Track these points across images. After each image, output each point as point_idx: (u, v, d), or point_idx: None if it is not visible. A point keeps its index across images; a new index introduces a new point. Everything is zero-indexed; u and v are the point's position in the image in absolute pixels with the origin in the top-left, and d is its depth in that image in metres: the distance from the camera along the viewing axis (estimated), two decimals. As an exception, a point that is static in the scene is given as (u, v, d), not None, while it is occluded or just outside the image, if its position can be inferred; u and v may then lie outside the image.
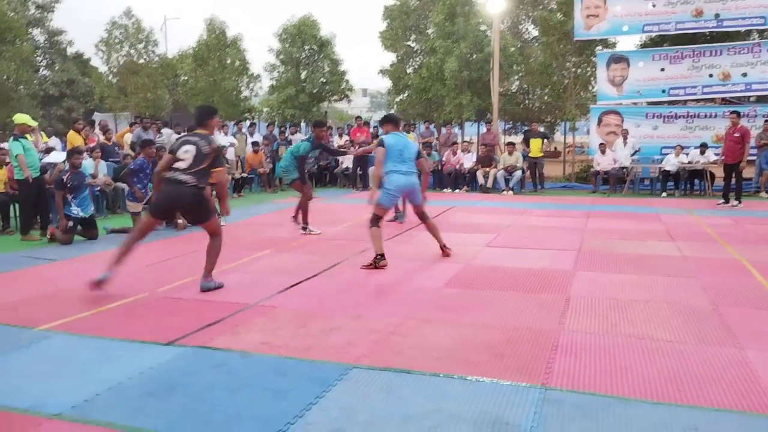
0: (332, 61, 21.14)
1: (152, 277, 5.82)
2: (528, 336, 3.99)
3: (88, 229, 8.01)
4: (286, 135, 16.15)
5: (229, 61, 21.75)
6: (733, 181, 11.47)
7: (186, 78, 23.33)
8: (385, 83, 26.06)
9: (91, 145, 11.19)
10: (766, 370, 3.39)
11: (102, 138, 12.19)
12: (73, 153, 8.08)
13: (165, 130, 13.98)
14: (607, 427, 2.76)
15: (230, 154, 14.28)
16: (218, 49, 21.64)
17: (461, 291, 5.25)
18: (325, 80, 21.15)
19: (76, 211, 7.78)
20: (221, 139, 14.45)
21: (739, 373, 3.36)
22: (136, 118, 13.71)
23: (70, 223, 7.77)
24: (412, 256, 6.83)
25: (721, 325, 4.22)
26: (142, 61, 22.53)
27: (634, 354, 3.65)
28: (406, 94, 23.33)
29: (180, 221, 8.78)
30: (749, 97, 16.07)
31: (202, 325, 4.25)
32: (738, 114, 11.48)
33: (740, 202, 11.22)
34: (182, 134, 7.61)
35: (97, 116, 21.37)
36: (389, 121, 6.82)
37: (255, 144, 14.85)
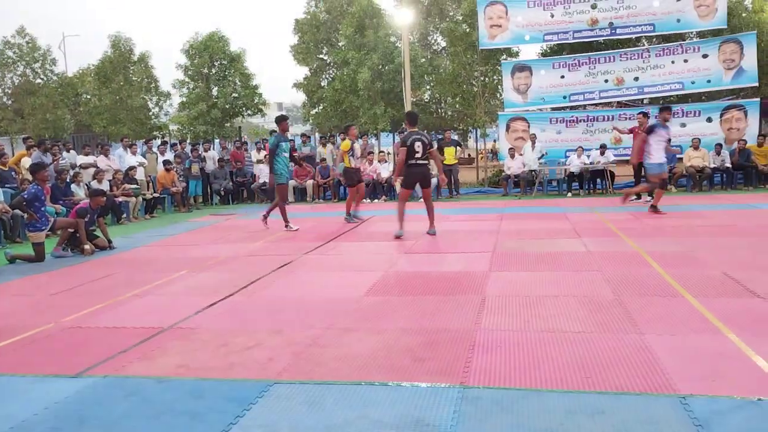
0: (244, 76, 20.85)
1: (57, 306, 5.50)
2: (446, 338, 4.09)
3: (-17, 260, 7.48)
4: (200, 152, 15.74)
5: (136, 79, 20.98)
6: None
7: (89, 96, 22.27)
8: (300, 96, 26.00)
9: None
10: (663, 352, 3.64)
11: (-3, 163, 11.41)
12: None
13: (67, 153, 13.30)
14: (523, 418, 2.87)
15: (140, 175, 13.78)
16: (124, 66, 20.85)
17: (381, 299, 5.31)
18: (237, 95, 20.82)
19: (-31, 242, 7.25)
20: (129, 158, 13.93)
21: (640, 357, 3.59)
22: (26, 141, 12.90)
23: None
24: (331, 267, 6.83)
25: (623, 313, 4.49)
26: (39, 80, 21.32)
27: (545, 347, 3.82)
28: (321, 107, 23.36)
29: (87, 247, 8.38)
30: (642, 99, 17.23)
31: (113, 353, 4.07)
32: (645, 114, 12.22)
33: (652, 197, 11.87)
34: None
35: (-9, 140, 20.02)
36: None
37: (167, 162, 14.38)
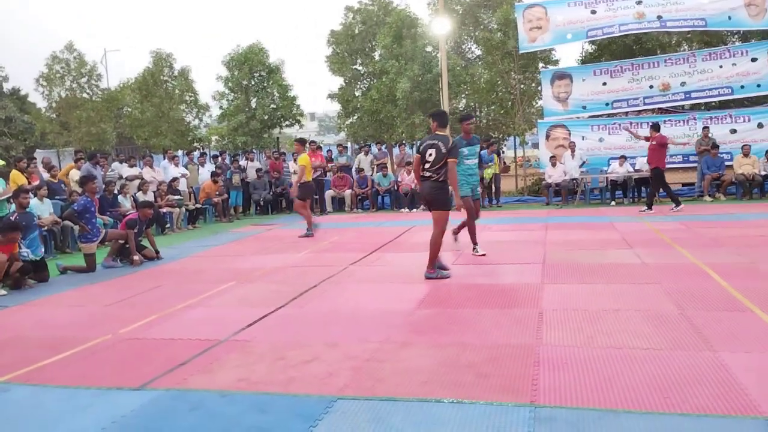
0: (282, 87, 21.06)
1: (112, 317, 5.56)
2: (508, 353, 3.98)
3: (38, 271, 7.62)
4: (240, 162, 15.93)
5: (177, 92, 21.41)
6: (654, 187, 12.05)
7: (130, 110, 22.80)
8: (334, 107, 26.19)
9: (35, 183, 10.72)
10: (742, 371, 3.47)
11: (47, 176, 11.73)
12: (20, 192, 7.73)
13: (115, 164, 13.59)
14: (601, 441, 2.75)
15: (182, 185, 13.98)
16: (165, 81, 21.32)
17: (435, 311, 5.22)
18: (275, 106, 21.03)
19: (26, 252, 7.40)
20: (172, 170, 14.16)
21: (718, 376, 3.42)
22: (77, 153, 13.22)
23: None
24: (379, 279, 6.78)
25: (691, 329, 4.31)
26: (85, 95, 21.89)
27: (614, 364, 3.68)
28: (355, 117, 23.44)
29: (136, 257, 8.50)
30: (683, 106, 16.74)
31: (173, 366, 4.07)
32: (654, 126, 11.90)
33: (676, 206, 11.66)
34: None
35: (39, 153, 20.62)
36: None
37: (214, 173, 14.56)
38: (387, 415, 3.12)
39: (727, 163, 14.09)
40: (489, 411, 3.12)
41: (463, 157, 7.45)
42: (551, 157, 15.28)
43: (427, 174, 6.41)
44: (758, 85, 14.64)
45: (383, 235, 10.30)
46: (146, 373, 3.95)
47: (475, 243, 7.87)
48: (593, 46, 20.31)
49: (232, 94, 21.09)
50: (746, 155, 13.73)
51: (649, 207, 11.89)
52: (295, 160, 11.51)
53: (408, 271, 7.01)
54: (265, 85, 20.94)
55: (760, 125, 14.51)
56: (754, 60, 14.57)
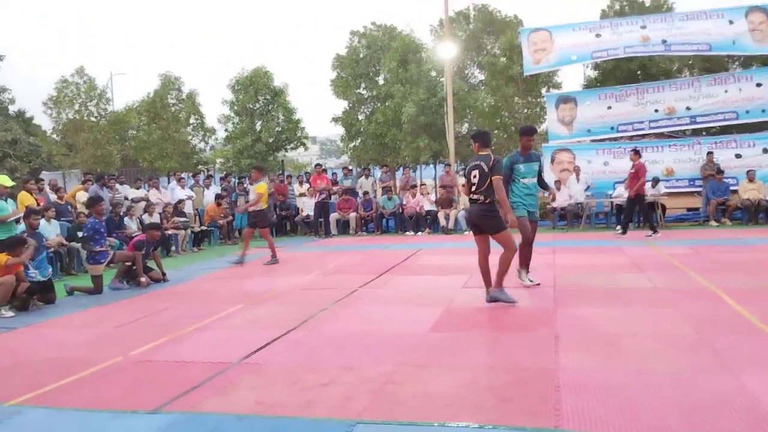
0: (286, 110, 21.22)
1: (123, 339, 5.51)
2: (528, 377, 3.93)
3: (45, 292, 7.57)
4: (245, 185, 15.95)
5: (183, 116, 21.58)
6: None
7: (136, 132, 22.93)
8: (335, 130, 26.37)
9: (42, 204, 10.73)
10: (767, 395, 3.41)
11: (54, 197, 11.75)
12: (30, 214, 7.71)
13: (119, 186, 13.61)
14: (631, 468, 2.69)
15: (188, 208, 13.98)
16: (173, 104, 21.53)
17: (449, 334, 5.17)
18: (280, 129, 21.16)
19: (33, 273, 7.36)
20: (179, 192, 14.18)
21: (743, 401, 3.37)
22: (86, 175, 13.30)
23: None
24: (389, 301, 6.73)
25: (712, 353, 4.26)
26: (93, 118, 22.03)
27: (637, 389, 3.62)
28: (359, 140, 23.57)
29: (143, 279, 8.45)
30: (684, 131, 16.77)
31: (186, 388, 4.01)
32: (635, 151, 12.39)
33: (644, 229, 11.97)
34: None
35: (45, 175, 20.68)
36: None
37: (218, 196, 14.58)
38: (410, 440, 3.07)
39: (732, 188, 14.09)
40: (514, 436, 3.06)
41: (519, 174, 6.89)
42: (556, 180, 15.25)
43: (475, 197, 6.16)
44: (763, 111, 14.70)
45: (390, 257, 10.26)
46: (160, 395, 3.89)
47: (523, 269, 7.18)
48: (596, 72, 20.51)
49: (238, 117, 21.24)
50: (751, 180, 13.73)
51: (654, 231, 11.89)
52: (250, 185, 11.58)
53: (418, 294, 6.97)
54: (270, 108, 21.10)
55: (765, 150, 14.52)
56: (759, 85, 14.65)
